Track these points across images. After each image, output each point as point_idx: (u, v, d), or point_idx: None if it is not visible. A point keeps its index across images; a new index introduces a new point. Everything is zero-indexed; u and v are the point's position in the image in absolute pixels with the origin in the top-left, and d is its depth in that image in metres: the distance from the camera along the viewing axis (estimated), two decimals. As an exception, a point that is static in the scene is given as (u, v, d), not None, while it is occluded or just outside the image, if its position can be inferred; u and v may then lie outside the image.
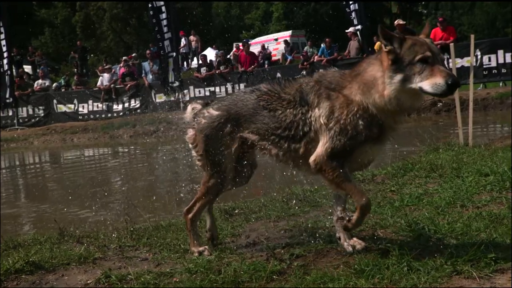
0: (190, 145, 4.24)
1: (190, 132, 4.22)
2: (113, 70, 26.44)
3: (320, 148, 3.67)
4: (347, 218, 3.74)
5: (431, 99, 16.06)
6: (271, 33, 47.57)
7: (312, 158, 3.71)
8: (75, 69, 30.53)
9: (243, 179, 4.37)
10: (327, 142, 3.63)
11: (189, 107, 4.36)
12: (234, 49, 30.81)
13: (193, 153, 4.25)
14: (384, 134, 3.64)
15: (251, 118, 3.96)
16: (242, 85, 21.85)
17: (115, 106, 24.42)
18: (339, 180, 3.63)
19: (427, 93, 3.40)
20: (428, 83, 3.34)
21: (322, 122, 3.66)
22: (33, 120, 25.54)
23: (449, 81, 3.30)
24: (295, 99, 3.83)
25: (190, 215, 4.25)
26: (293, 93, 3.87)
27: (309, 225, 4.79)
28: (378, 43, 22.83)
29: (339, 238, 4.00)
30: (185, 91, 22.85)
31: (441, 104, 17.27)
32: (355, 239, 3.97)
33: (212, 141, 4.04)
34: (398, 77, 3.41)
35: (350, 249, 3.88)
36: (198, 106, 4.29)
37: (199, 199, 4.24)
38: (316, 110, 3.71)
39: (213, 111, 4.10)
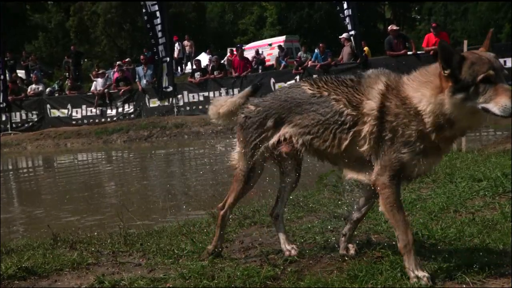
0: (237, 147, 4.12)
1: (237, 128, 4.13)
2: (107, 75, 26.39)
3: (380, 163, 3.50)
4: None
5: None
6: (265, 38, 47.68)
7: (373, 176, 3.54)
8: (67, 73, 30.44)
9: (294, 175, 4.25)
10: (384, 152, 3.47)
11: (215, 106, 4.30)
12: (228, 54, 30.85)
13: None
14: (433, 148, 3.43)
15: (296, 109, 3.82)
16: (236, 90, 21.86)
17: (108, 111, 24.35)
18: (392, 205, 3.45)
19: (492, 114, 3.19)
20: (493, 105, 3.13)
21: (373, 116, 3.49)
22: (26, 125, 25.43)
23: None
24: (351, 87, 3.66)
25: (222, 212, 4.20)
26: (351, 81, 3.71)
27: (303, 231, 4.80)
28: (366, 48, 22.98)
29: (344, 235, 4.01)
30: (179, 96, 22.83)
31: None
32: (351, 245, 3.99)
33: (250, 136, 3.97)
34: (460, 95, 3.20)
35: (343, 252, 3.94)
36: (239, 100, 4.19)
37: (230, 194, 4.17)
38: (370, 101, 3.52)
39: (251, 106, 4.03)
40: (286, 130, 3.86)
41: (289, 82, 20.08)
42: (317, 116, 3.71)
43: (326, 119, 3.66)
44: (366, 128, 3.52)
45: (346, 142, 3.61)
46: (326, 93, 3.71)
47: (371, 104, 3.51)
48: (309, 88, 3.80)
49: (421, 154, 3.40)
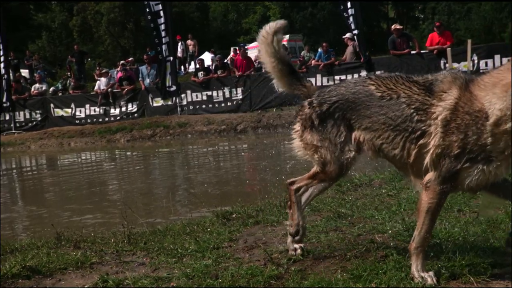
0: (298, 139, 3.94)
1: (298, 127, 3.95)
2: (110, 74, 26.41)
3: (436, 169, 3.35)
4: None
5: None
6: (268, 37, 47.57)
7: (426, 178, 3.40)
8: (68, 73, 30.47)
9: None
10: (444, 158, 3.30)
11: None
12: (231, 53, 30.83)
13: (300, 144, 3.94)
14: (498, 159, 3.22)
15: (365, 112, 3.63)
16: (239, 90, 21.87)
17: (112, 110, 24.34)
18: (429, 209, 3.37)
19: None
20: None
21: (441, 118, 3.32)
22: (30, 124, 25.44)
23: None
24: (423, 90, 3.49)
25: (293, 187, 4.03)
26: (422, 84, 3.53)
27: (307, 230, 4.79)
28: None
29: None
30: (182, 95, 22.83)
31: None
32: None
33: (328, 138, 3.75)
34: None
35: None
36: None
37: (311, 178, 3.97)
38: (440, 106, 3.36)
39: (322, 107, 3.79)
40: (358, 134, 3.70)
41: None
42: (388, 121, 3.54)
43: (396, 125, 3.51)
44: (432, 140, 3.37)
45: (414, 153, 3.46)
46: (395, 96, 3.54)
47: (441, 110, 3.35)
48: (377, 89, 3.62)
49: (482, 164, 3.24)
